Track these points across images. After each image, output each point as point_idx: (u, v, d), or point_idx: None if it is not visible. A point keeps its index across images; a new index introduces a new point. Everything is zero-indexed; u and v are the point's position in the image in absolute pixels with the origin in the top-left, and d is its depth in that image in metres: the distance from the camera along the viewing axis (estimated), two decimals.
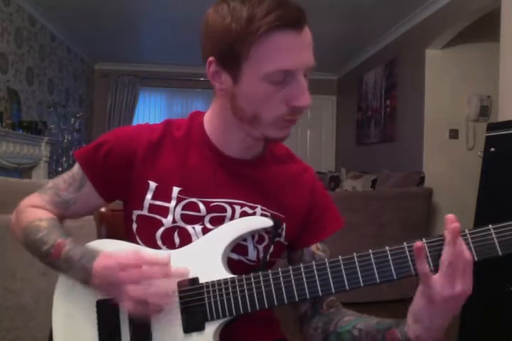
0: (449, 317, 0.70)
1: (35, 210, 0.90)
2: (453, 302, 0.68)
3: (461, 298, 0.68)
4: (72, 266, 0.79)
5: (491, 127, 1.88)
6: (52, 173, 4.56)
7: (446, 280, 0.67)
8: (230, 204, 0.86)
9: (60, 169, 4.81)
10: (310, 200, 0.92)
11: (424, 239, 0.70)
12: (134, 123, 6.24)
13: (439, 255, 0.69)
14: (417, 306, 0.70)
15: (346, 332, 0.82)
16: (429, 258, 0.70)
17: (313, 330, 0.88)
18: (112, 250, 0.79)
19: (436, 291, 0.67)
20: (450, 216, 0.68)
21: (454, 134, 3.95)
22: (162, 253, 0.77)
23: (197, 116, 0.92)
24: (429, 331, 0.70)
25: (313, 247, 0.92)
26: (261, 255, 0.87)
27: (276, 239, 0.88)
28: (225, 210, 0.86)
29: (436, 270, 0.69)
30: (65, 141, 4.98)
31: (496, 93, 2.60)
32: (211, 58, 0.78)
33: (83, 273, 0.78)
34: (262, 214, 0.87)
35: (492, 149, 1.82)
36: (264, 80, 0.75)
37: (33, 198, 0.93)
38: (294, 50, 0.75)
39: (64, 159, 4.94)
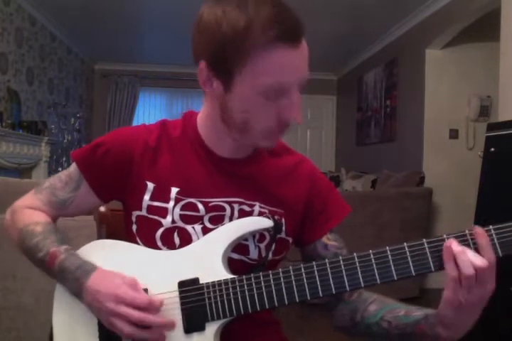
0: (475, 316, 0.71)
1: (31, 212, 0.90)
2: (471, 307, 0.69)
3: (479, 303, 0.69)
4: (66, 278, 0.80)
5: (491, 127, 1.88)
6: (52, 173, 4.56)
7: (461, 289, 0.67)
8: (229, 203, 0.86)
9: (60, 169, 4.80)
10: (309, 191, 0.92)
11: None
12: (134, 123, 6.23)
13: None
14: (443, 312, 0.71)
15: (375, 323, 0.82)
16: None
17: (340, 316, 0.89)
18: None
19: (463, 295, 0.67)
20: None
21: (454, 134, 3.95)
22: (155, 300, 0.76)
23: (191, 116, 0.92)
24: (455, 331, 0.72)
25: (324, 239, 0.91)
26: (263, 253, 0.87)
27: (278, 236, 0.88)
28: (224, 209, 0.86)
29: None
30: (65, 141, 4.97)
31: (496, 93, 2.60)
32: (203, 64, 0.77)
33: (76, 288, 0.79)
34: (260, 212, 0.87)
35: (492, 149, 1.82)
36: (257, 94, 0.74)
37: (29, 198, 0.93)
38: (290, 66, 0.73)
39: (64, 159, 4.94)
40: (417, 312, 0.78)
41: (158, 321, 0.75)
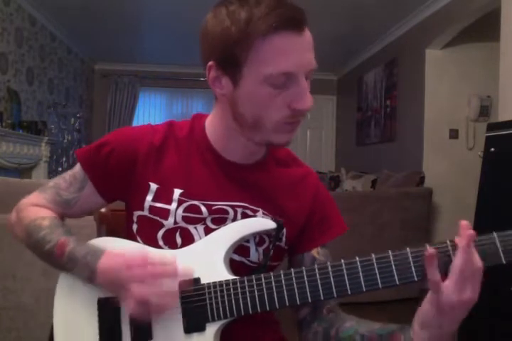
0: (456, 323, 0.69)
1: (37, 209, 0.90)
2: (460, 309, 0.67)
3: (469, 305, 0.67)
4: (76, 264, 0.79)
5: (491, 127, 1.88)
6: (52, 173, 4.56)
7: (457, 286, 0.66)
8: (232, 207, 0.85)
9: (60, 169, 4.81)
10: (312, 205, 0.91)
11: (427, 245, 0.70)
12: (134, 123, 6.24)
13: (447, 261, 0.68)
14: (426, 313, 0.69)
15: (348, 337, 0.80)
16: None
17: (312, 335, 0.87)
18: (117, 248, 0.79)
19: (445, 298, 0.66)
20: (464, 222, 0.67)
21: (454, 134, 3.95)
22: (168, 253, 0.76)
23: (199, 119, 0.91)
24: (437, 337, 0.69)
25: (313, 252, 0.91)
26: (261, 257, 0.87)
27: (276, 243, 0.88)
28: (226, 213, 0.85)
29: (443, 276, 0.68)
30: (65, 141, 4.97)
31: (496, 93, 2.60)
32: (211, 63, 0.77)
33: (87, 272, 0.78)
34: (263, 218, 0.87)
35: (492, 149, 1.82)
36: (264, 83, 0.74)
37: (34, 197, 0.93)
38: (294, 52, 0.73)
39: (64, 159, 4.94)
40: (394, 326, 0.77)
41: (174, 269, 0.74)
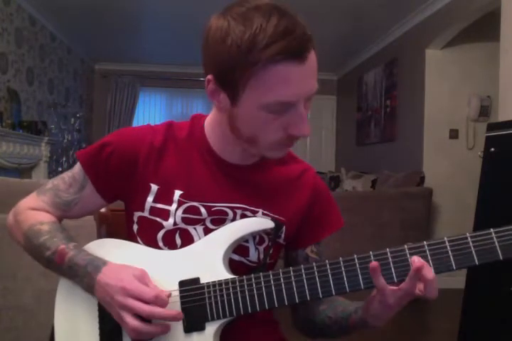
0: (398, 310, 0.75)
1: (36, 213, 0.89)
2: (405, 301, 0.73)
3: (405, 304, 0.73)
4: (77, 274, 0.80)
5: (491, 127, 1.88)
6: (52, 173, 4.56)
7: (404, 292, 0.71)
8: (232, 208, 0.86)
9: (60, 169, 4.81)
10: (310, 201, 0.92)
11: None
12: (134, 123, 6.24)
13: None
14: (373, 308, 0.75)
15: (320, 320, 0.89)
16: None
17: (296, 316, 0.95)
18: (116, 254, 0.80)
19: (392, 299, 0.71)
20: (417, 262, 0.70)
21: (454, 134, 3.95)
22: (163, 293, 0.76)
23: (198, 120, 0.91)
24: (381, 320, 0.77)
25: (307, 250, 0.92)
26: (261, 256, 0.87)
27: (277, 240, 0.88)
28: (226, 214, 0.86)
29: (401, 281, 0.71)
30: (65, 141, 4.98)
31: (496, 93, 2.60)
32: (209, 77, 0.76)
33: (87, 282, 0.79)
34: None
35: (492, 149, 1.82)
36: (262, 109, 0.73)
37: (32, 200, 0.92)
38: (295, 82, 0.71)
39: (64, 159, 4.94)
40: (350, 307, 0.85)
41: (166, 314, 0.74)
